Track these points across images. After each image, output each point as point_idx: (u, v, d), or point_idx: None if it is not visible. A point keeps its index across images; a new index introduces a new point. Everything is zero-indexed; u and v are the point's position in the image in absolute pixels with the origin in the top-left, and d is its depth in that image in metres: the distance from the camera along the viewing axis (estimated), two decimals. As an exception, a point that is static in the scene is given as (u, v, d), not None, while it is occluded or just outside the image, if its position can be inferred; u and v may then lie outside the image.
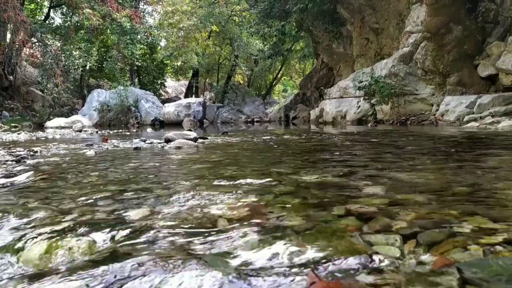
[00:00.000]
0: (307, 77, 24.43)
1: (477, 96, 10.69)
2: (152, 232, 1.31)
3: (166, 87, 32.35)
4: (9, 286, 0.98)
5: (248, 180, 2.25)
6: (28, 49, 21.23)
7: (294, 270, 0.97)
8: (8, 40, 19.66)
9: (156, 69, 28.42)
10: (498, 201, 1.63)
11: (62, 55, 20.64)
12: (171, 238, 1.25)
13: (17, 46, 19.62)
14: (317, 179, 2.24)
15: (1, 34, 19.61)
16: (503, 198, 1.68)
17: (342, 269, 0.97)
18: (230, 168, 2.99)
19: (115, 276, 0.96)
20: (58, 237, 1.26)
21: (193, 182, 2.26)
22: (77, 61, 20.75)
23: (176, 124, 18.88)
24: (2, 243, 1.24)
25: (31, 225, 1.41)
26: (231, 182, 2.18)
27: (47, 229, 1.35)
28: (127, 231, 1.32)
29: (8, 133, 10.26)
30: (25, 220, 1.50)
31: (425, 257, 1.03)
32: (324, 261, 1.02)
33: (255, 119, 22.69)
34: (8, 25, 18.70)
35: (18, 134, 9.78)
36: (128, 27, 21.95)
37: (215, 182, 2.23)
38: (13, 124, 16.62)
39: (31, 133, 10.16)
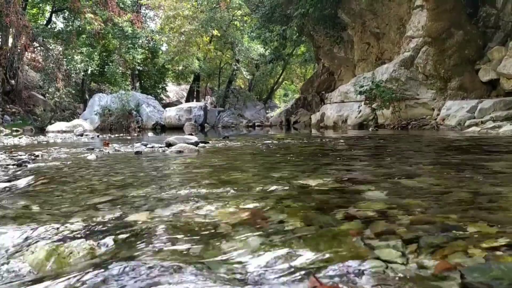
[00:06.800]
0: (308, 82, 24.44)
1: (478, 100, 10.67)
2: (152, 236, 1.31)
3: (167, 91, 32.43)
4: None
5: (249, 185, 2.25)
6: (30, 54, 21.29)
7: (295, 274, 0.97)
8: (10, 45, 19.73)
9: (158, 73, 28.49)
10: (500, 205, 1.63)
11: (64, 59, 20.68)
12: (171, 242, 1.25)
13: (19, 50, 19.67)
14: (318, 183, 2.23)
15: (3, 38, 19.71)
16: (504, 202, 1.68)
17: (343, 273, 0.97)
18: (231, 172, 2.99)
19: (115, 280, 0.96)
20: (59, 241, 1.26)
21: (194, 187, 2.26)
22: (78, 66, 20.79)
23: (177, 128, 18.90)
24: (3, 247, 1.24)
25: (32, 229, 1.41)
26: (232, 187, 2.18)
27: (48, 233, 1.35)
28: (128, 234, 1.32)
29: (9, 137, 10.28)
30: (26, 224, 1.50)
31: (427, 261, 1.02)
32: (325, 265, 1.01)
33: (256, 124, 22.66)
34: (10, 29, 18.78)
35: (20, 138, 9.79)
36: (130, 31, 22.02)
37: (216, 187, 2.22)
38: (14, 128, 16.64)
39: (33, 137, 10.16)
